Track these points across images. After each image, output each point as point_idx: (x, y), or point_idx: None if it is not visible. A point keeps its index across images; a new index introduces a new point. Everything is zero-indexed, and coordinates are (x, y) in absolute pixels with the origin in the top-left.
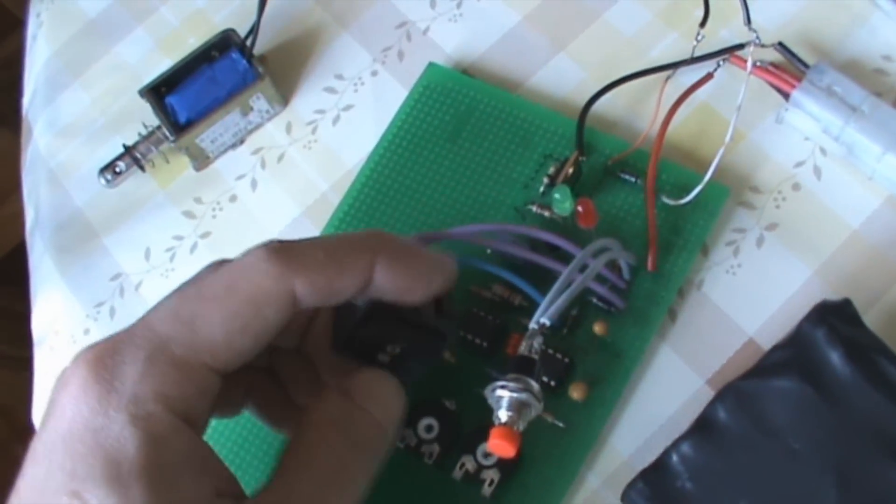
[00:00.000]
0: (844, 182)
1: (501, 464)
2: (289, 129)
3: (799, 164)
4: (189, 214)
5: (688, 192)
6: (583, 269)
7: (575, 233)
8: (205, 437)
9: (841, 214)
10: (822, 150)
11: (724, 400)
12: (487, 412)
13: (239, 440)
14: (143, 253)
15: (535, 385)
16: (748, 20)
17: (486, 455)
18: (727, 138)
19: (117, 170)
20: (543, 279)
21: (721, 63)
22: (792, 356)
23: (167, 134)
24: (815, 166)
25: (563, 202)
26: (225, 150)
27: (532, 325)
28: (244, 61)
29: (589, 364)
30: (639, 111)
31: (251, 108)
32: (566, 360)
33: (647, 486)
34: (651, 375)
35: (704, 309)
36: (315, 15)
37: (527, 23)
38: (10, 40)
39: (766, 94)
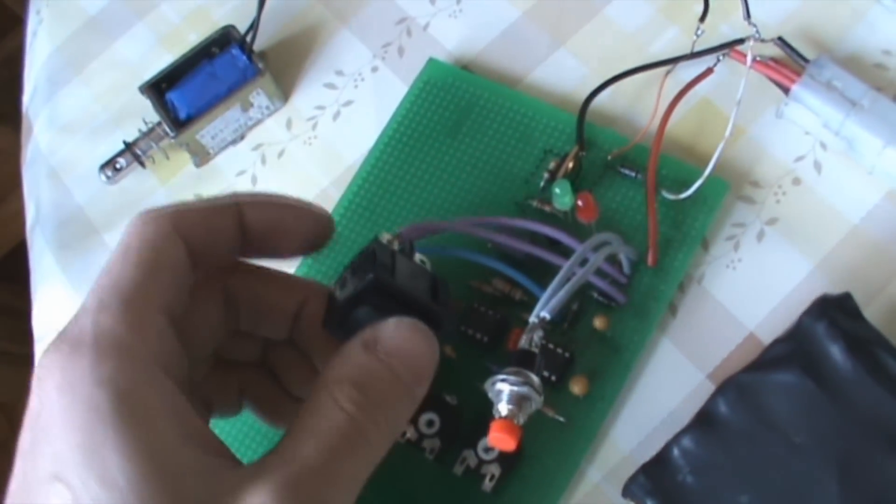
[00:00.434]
0: (845, 176)
1: (502, 458)
2: (289, 124)
3: (799, 159)
4: None
5: (688, 186)
6: (583, 263)
7: (575, 228)
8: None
9: (841, 209)
10: (823, 145)
11: (725, 393)
12: (488, 407)
13: (246, 440)
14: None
15: (535, 379)
16: (748, 15)
17: (487, 450)
18: (727, 133)
19: (118, 166)
20: (544, 274)
21: (721, 58)
22: (793, 350)
23: (167, 130)
24: (816, 161)
25: (563, 197)
26: (225, 146)
27: (532, 318)
28: (244, 57)
29: (589, 358)
30: (639, 106)
31: (251, 104)
32: (567, 354)
33: (649, 480)
34: (652, 370)
35: (705, 303)
36: (315, 11)
37: (527, 18)
38: (10, 38)
39: (766, 88)
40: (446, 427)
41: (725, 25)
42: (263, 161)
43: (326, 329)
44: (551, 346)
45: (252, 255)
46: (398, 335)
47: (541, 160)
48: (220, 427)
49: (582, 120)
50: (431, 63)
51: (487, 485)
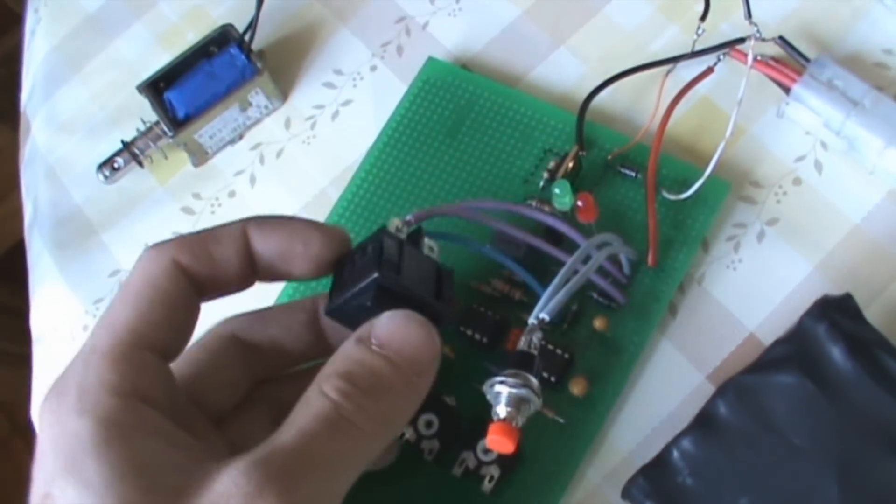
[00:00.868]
0: (845, 176)
1: (501, 460)
2: (287, 124)
3: (800, 159)
4: (188, 210)
5: (688, 186)
6: (584, 262)
7: (574, 228)
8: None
9: (842, 209)
10: (823, 145)
11: (725, 395)
12: (487, 408)
13: None
14: (142, 249)
15: (534, 381)
16: (749, 14)
17: (487, 451)
18: (728, 133)
19: (116, 166)
20: (543, 274)
21: (721, 57)
22: (793, 351)
23: (166, 129)
24: (816, 161)
25: (563, 197)
26: (223, 146)
27: (531, 320)
28: (243, 56)
29: (589, 359)
30: (639, 105)
31: (250, 104)
32: (566, 355)
33: (648, 482)
34: (651, 371)
35: (705, 304)
36: (314, 10)
37: (526, 17)
38: (8, 37)
39: (767, 88)
40: (445, 428)
41: (726, 24)
42: (262, 161)
43: (327, 315)
44: (550, 346)
45: (265, 280)
46: (392, 326)
47: (540, 160)
48: None
49: (582, 119)
50: (431, 62)
51: (486, 486)
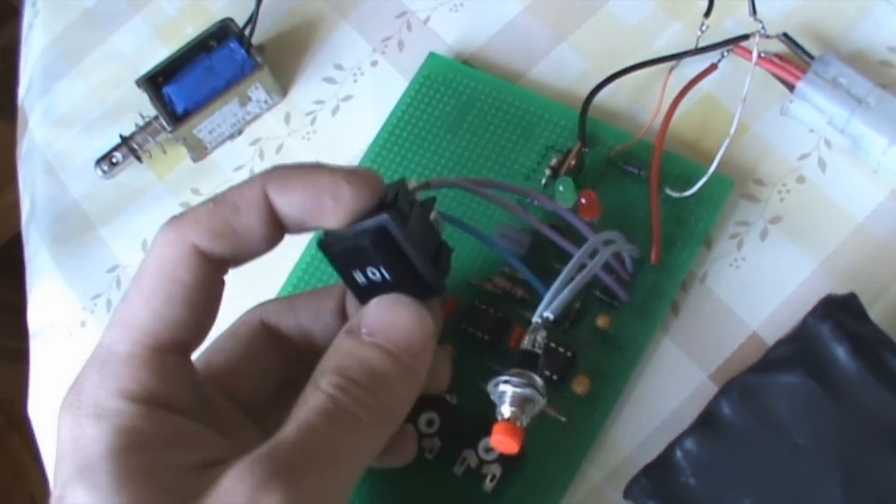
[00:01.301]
0: (849, 175)
1: (503, 459)
2: (287, 119)
3: (803, 157)
4: (187, 205)
5: (691, 184)
6: (590, 256)
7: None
8: None
9: (846, 207)
10: (827, 143)
11: (728, 395)
12: (489, 407)
13: None
14: (140, 244)
15: (538, 380)
16: (753, 10)
17: (488, 450)
18: (732, 130)
19: (114, 160)
20: (545, 271)
21: (725, 54)
22: (797, 351)
23: (164, 124)
24: (820, 158)
25: (566, 194)
26: (223, 141)
27: (535, 318)
28: (242, 51)
29: (591, 358)
30: (641, 102)
31: (249, 99)
32: (569, 353)
33: (651, 482)
34: (653, 369)
35: (708, 302)
36: (314, 4)
37: (528, 13)
38: (5, 30)
39: (770, 85)
40: (446, 426)
41: (729, 21)
42: (262, 156)
43: (320, 248)
44: (553, 344)
45: (296, 233)
46: (380, 313)
47: (542, 156)
48: None
49: (584, 116)
50: (432, 57)
51: (488, 485)
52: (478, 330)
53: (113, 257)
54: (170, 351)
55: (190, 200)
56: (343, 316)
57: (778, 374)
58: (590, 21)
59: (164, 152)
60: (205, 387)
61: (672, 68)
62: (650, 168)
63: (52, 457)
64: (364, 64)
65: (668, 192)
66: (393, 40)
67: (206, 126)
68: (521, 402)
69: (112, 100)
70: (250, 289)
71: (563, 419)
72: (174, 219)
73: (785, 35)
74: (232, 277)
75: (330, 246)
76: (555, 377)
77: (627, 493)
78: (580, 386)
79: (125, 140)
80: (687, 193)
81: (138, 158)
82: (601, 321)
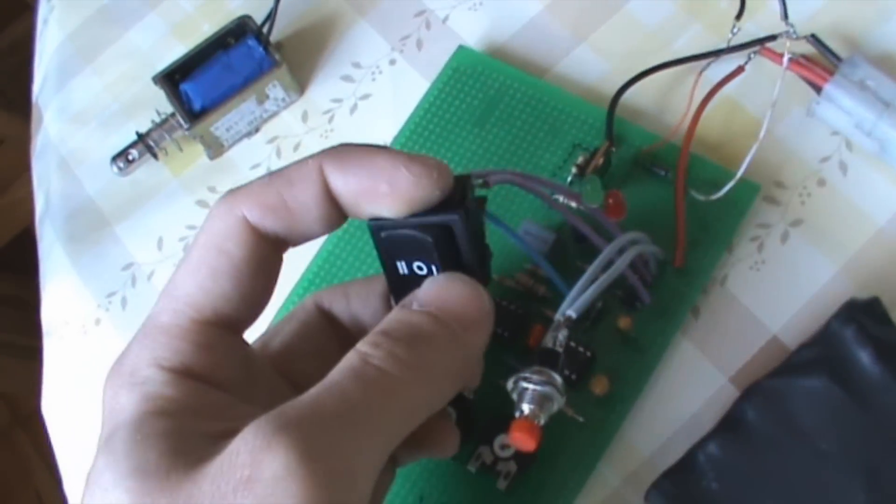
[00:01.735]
0: (870, 178)
1: (518, 456)
2: (305, 117)
3: (824, 160)
4: (203, 204)
5: (716, 187)
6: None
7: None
8: None
9: (867, 211)
10: (848, 146)
11: (751, 399)
12: (506, 404)
13: None
14: (156, 242)
15: (558, 379)
16: (785, 14)
17: (503, 447)
18: (761, 135)
19: (130, 157)
20: (567, 270)
21: (752, 56)
22: (820, 355)
23: (181, 121)
24: (841, 162)
25: (593, 193)
26: (240, 139)
27: (558, 316)
28: (260, 48)
29: (610, 358)
30: (665, 102)
31: (267, 96)
32: (588, 353)
33: (673, 486)
34: (672, 372)
35: (728, 305)
36: (332, 2)
37: (548, 13)
38: (16, 25)
39: (792, 87)
40: (462, 422)
41: (751, 23)
42: (279, 154)
43: (372, 226)
44: (573, 344)
45: (357, 217)
46: (434, 287)
47: (569, 154)
48: None
49: (612, 115)
50: (461, 50)
51: (502, 483)
52: (498, 326)
53: (128, 255)
54: (213, 324)
55: (206, 198)
56: (389, 301)
57: (801, 379)
58: (609, 22)
59: (181, 150)
60: (258, 365)
61: (703, 70)
62: (677, 171)
63: (65, 454)
64: (382, 62)
65: (694, 195)
66: (411, 39)
67: (223, 123)
68: (540, 401)
69: (128, 96)
70: None
71: (581, 419)
72: (229, 192)
73: (813, 36)
74: None
75: (381, 229)
76: (573, 376)
77: (648, 497)
78: (598, 386)
79: (141, 137)
80: (713, 197)
81: (154, 156)
82: (622, 322)
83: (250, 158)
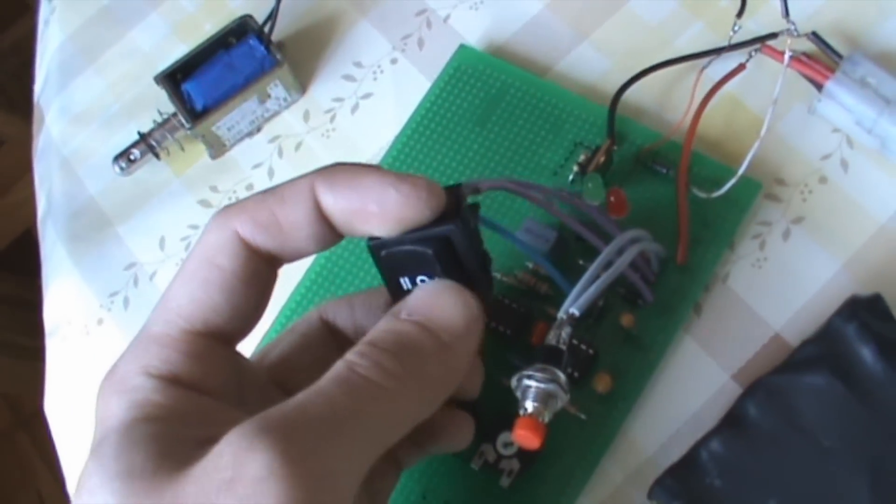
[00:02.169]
0: (872, 175)
1: (521, 454)
2: (306, 117)
3: (825, 157)
4: (205, 203)
5: (717, 185)
6: (618, 253)
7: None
8: None
9: (869, 208)
10: (850, 143)
11: (754, 395)
12: (509, 402)
13: None
14: (158, 242)
15: (562, 376)
16: (787, 12)
17: (506, 445)
18: (762, 131)
19: (132, 157)
20: (568, 268)
21: (753, 53)
22: (822, 351)
23: (183, 121)
24: (842, 159)
25: (595, 191)
26: (241, 138)
27: (561, 314)
28: (262, 48)
29: (613, 356)
30: (666, 100)
31: (269, 96)
32: (590, 350)
33: (676, 483)
34: (675, 369)
35: (730, 303)
36: (334, 1)
37: (549, 11)
38: (17, 26)
39: (793, 85)
40: None
41: (751, 21)
42: (280, 154)
43: (371, 246)
44: (575, 341)
45: (350, 235)
46: (422, 295)
47: (570, 152)
48: None
49: (613, 113)
50: (462, 49)
51: (505, 480)
52: (500, 324)
53: (130, 255)
54: (203, 335)
55: (208, 198)
56: None
57: (804, 375)
58: (611, 19)
59: (183, 149)
60: (250, 375)
61: (704, 68)
62: (679, 168)
63: (68, 454)
64: (384, 62)
65: (696, 192)
66: (413, 38)
67: (224, 123)
68: (544, 398)
69: (129, 96)
70: None
71: (583, 416)
72: (224, 207)
73: (814, 34)
74: None
75: (379, 247)
76: (576, 374)
77: (651, 494)
78: (601, 384)
79: (143, 137)
80: (715, 195)
81: (156, 155)
82: (625, 319)
83: (252, 158)
